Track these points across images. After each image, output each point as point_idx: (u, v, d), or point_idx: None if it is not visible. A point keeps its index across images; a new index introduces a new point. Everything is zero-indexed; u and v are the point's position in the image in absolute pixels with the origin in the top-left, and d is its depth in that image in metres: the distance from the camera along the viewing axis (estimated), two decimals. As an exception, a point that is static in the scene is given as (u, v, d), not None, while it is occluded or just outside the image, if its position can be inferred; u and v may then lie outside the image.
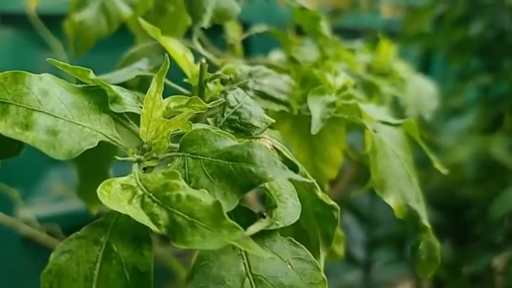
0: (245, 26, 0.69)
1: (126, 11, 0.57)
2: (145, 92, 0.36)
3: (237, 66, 0.42)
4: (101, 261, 0.22)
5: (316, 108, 0.39)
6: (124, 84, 0.35)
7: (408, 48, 1.23)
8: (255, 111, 0.32)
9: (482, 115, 1.18)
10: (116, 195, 0.23)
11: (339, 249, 0.44)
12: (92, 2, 0.56)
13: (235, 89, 0.34)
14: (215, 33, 0.59)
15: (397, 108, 0.72)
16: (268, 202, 0.26)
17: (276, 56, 0.71)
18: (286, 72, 0.52)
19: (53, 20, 0.79)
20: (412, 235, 0.37)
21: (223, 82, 0.36)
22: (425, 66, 1.36)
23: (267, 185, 0.26)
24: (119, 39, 0.61)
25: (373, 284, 1.48)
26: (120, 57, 0.57)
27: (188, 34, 0.62)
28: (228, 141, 0.26)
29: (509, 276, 1.10)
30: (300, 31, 0.66)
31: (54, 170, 1.05)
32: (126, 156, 0.26)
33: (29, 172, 1.02)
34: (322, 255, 0.32)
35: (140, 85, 0.41)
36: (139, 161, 0.26)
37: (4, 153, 0.26)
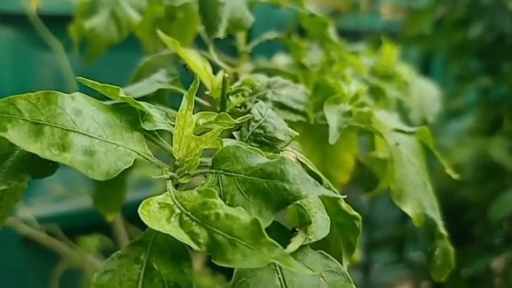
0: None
1: (136, 17, 0.57)
2: (161, 103, 0.36)
3: (253, 77, 0.42)
4: (143, 279, 0.23)
5: (333, 117, 0.40)
6: (144, 97, 0.36)
7: (408, 50, 1.24)
8: (279, 125, 0.32)
9: (482, 117, 1.19)
10: (154, 214, 0.23)
11: (355, 255, 0.44)
12: (102, 9, 0.56)
13: (257, 101, 0.35)
14: (218, 38, 0.59)
15: (401, 111, 0.72)
16: (301, 218, 0.27)
17: (282, 60, 0.71)
18: (293, 77, 0.53)
19: (53, 20, 0.79)
20: (417, 235, 0.38)
21: (243, 94, 0.37)
22: (425, 68, 1.37)
23: (299, 201, 0.26)
24: (120, 42, 0.61)
25: (372, 285, 1.49)
26: (121, 58, 0.57)
27: (196, 40, 0.62)
28: (260, 158, 0.26)
29: (508, 278, 1.11)
30: (301, 33, 0.67)
31: (54, 171, 1.04)
32: (160, 173, 0.26)
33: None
34: (345, 264, 0.33)
35: (157, 95, 0.42)
36: (172, 178, 0.26)
37: (38, 174, 0.26)
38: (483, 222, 1.11)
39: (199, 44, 0.55)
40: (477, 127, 1.18)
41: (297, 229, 0.26)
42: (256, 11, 0.50)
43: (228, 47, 0.63)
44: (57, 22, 0.75)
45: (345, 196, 0.29)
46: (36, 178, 0.26)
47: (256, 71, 0.56)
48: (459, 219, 1.16)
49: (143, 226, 0.26)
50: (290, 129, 0.32)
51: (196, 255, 1.10)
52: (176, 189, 0.27)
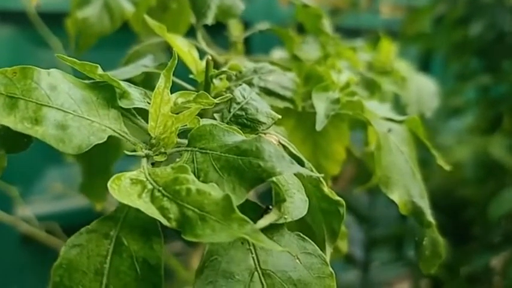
0: (246, 24, 0.69)
1: (129, 8, 0.57)
2: (149, 88, 0.36)
3: (241, 63, 0.42)
4: (111, 254, 0.22)
5: (321, 104, 0.39)
6: (129, 81, 0.35)
7: (408, 48, 1.23)
8: (262, 107, 0.32)
9: (482, 115, 1.18)
10: (125, 190, 0.23)
11: (343, 245, 0.44)
12: (95, 0, 0.56)
13: (240, 85, 0.34)
14: (216, 31, 0.59)
15: (398, 106, 0.72)
16: (276, 196, 0.26)
17: (278, 54, 0.71)
18: (288, 70, 0.53)
19: (52, 18, 0.79)
20: (415, 231, 0.37)
21: (228, 78, 0.36)
22: (425, 66, 1.36)
23: (274, 179, 0.26)
24: (118, 37, 0.61)
25: (371, 283, 1.48)
26: (120, 54, 0.57)
27: (190, 32, 0.62)
28: (236, 136, 0.26)
29: (507, 277, 1.10)
30: (300, 30, 0.67)
31: (53, 168, 1.05)
32: (134, 151, 0.26)
33: (28, 170, 1.02)
34: (328, 250, 0.32)
35: (145, 81, 0.41)
36: (147, 156, 0.26)
37: (12, 148, 0.26)
38: (482, 221, 1.10)
39: (194, 37, 0.54)
40: (477, 125, 1.17)
41: (270, 207, 0.26)
42: (256, 9, 0.50)
43: (224, 41, 0.63)
44: (56, 20, 0.75)
45: (322, 175, 0.29)
46: (10, 153, 0.26)
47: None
48: (458, 218, 1.16)
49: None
50: (272, 112, 0.32)
51: (196, 253, 1.10)
52: (152, 167, 0.26)
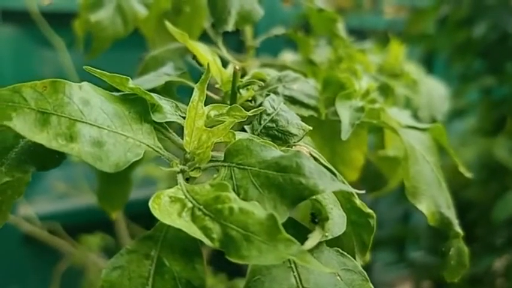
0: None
1: (142, 11, 0.56)
2: (169, 96, 0.35)
3: (264, 70, 0.41)
4: (153, 276, 0.22)
5: (345, 113, 0.39)
6: (152, 90, 0.35)
7: (411, 49, 1.22)
8: (292, 119, 0.31)
9: (485, 117, 1.18)
10: (166, 209, 0.22)
11: (366, 254, 0.43)
12: (108, 2, 0.55)
13: (268, 95, 0.34)
14: (224, 34, 0.58)
15: (409, 110, 0.71)
16: (318, 214, 0.26)
17: (289, 57, 0.70)
18: (302, 74, 0.52)
19: (55, 18, 0.78)
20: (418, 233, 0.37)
21: (253, 88, 0.36)
22: (427, 67, 1.36)
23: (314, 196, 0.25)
24: (123, 39, 0.60)
25: (373, 284, 1.48)
26: (123, 56, 0.56)
27: (202, 37, 0.61)
28: (274, 151, 0.25)
29: (510, 279, 1.10)
30: (306, 31, 0.66)
31: (56, 168, 1.04)
32: (170, 166, 0.25)
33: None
34: (358, 263, 0.32)
35: (165, 88, 0.41)
36: (182, 172, 0.25)
37: (43, 165, 0.25)
38: (486, 223, 1.10)
39: (206, 41, 0.54)
40: (480, 127, 1.17)
41: (316, 220, 0.25)
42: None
43: (233, 43, 0.62)
44: (60, 19, 0.74)
45: (362, 191, 0.28)
46: (40, 170, 0.25)
47: (263, 66, 0.55)
48: (462, 219, 1.15)
49: (146, 224, 0.24)
50: (303, 123, 0.31)
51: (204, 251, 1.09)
52: (187, 183, 0.26)
